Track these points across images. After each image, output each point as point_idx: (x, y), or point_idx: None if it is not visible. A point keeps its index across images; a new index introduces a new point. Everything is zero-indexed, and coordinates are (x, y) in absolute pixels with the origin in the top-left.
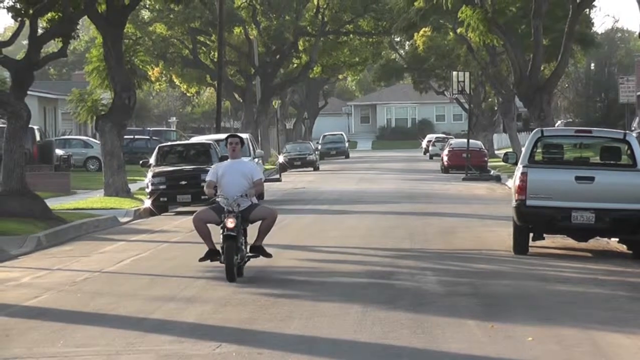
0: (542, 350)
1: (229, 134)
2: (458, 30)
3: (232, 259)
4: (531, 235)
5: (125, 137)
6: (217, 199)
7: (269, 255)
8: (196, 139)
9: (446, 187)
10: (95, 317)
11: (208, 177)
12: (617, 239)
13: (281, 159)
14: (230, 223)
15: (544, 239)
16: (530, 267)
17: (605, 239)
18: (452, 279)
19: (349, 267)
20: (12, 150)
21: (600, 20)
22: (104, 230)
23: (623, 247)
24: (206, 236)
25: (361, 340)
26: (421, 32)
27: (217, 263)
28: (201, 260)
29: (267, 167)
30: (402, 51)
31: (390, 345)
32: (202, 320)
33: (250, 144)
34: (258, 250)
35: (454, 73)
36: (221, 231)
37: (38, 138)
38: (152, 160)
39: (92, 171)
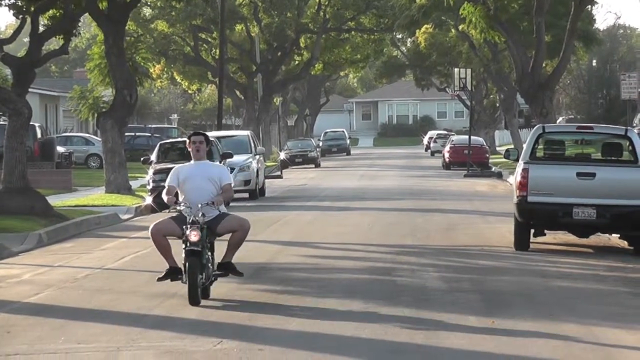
0: (543, 347)
1: (192, 131)
2: (460, 27)
3: (196, 279)
4: (532, 231)
5: (127, 134)
6: (178, 208)
7: (239, 274)
8: None
9: (447, 183)
10: (97, 314)
11: (168, 182)
12: (618, 235)
13: (282, 156)
14: (194, 236)
15: (545, 235)
16: (531, 263)
17: (607, 235)
18: (453, 275)
19: (351, 264)
20: (14, 148)
21: (602, 17)
22: (105, 227)
23: (624, 243)
24: (166, 252)
25: (362, 337)
26: (423, 29)
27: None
28: (160, 280)
29: (268, 164)
30: (403, 48)
31: (391, 342)
32: (203, 316)
33: (251, 141)
34: (227, 267)
35: (456, 70)
36: (183, 245)
37: (39, 135)
38: (153, 157)
39: (93, 168)
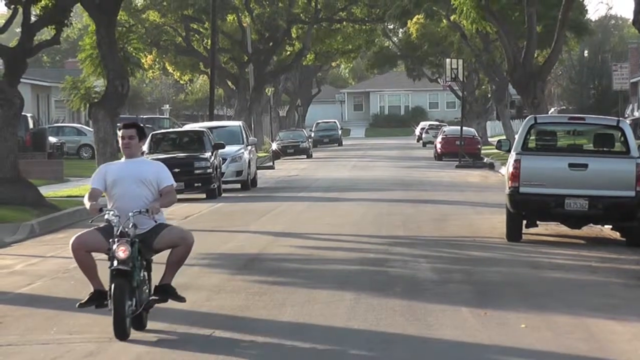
0: (535, 337)
1: (123, 122)
2: (451, 18)
3: (124, 306)
4: (524, 222)
5: (119, 124)
6: (106, 217)
7: (181, 299)
8: (189, 127)
9: (439, 174)
10: None
11: (91, 184)
12: (611, 226)
13: (274, 146)
14: (122, 252)
15: (537, 226)
16: (523, 254)
17: (599, 226)
18: (445, 266)
19: (343, 254)
20: (5, 138)
21: (594, 7)
22: (97, 218)
23: (616, 234)
24: (90, 271)
25: (354, 328)
26: (414, 19)
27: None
28: (81, 306)
29: (260, 154)
30: (395, 38)
31: (383, 332)
32: (196, 307)
33: (243, 131)
34: (166, 291)
35: (447, 60)
36: (109, 264)
37: (31, 125)
38: (145, 147)
39: (85, 159)
